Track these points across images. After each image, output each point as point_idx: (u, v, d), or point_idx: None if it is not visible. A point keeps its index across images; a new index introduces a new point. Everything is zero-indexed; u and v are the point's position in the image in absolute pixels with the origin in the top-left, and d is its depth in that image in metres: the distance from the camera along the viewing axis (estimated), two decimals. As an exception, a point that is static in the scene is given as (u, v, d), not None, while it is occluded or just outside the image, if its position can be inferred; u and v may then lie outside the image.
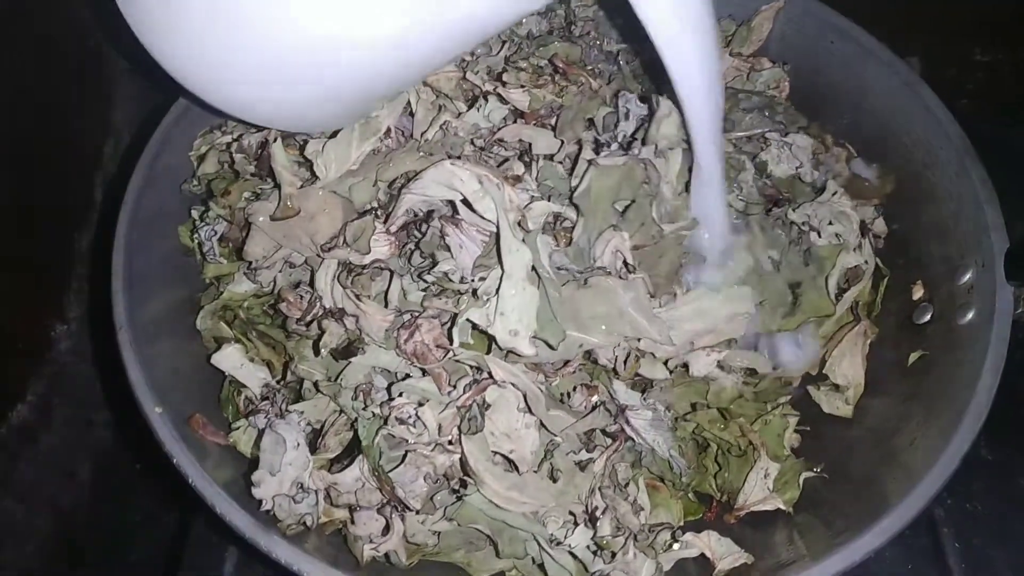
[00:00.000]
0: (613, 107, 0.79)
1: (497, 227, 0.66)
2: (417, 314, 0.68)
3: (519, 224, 0.67)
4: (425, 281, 0.71)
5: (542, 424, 0.66)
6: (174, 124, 0.86)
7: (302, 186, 0.75)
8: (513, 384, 0.66)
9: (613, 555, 0.64)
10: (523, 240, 0.65)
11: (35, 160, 1.06)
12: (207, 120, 0.89)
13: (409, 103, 0.78)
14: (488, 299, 0.65)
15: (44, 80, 1.09)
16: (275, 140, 0.77)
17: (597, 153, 0.73)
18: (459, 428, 0.68)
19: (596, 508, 0.67)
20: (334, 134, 0.76)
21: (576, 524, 0.66)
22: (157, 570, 1.08)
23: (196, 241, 0.83)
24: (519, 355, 0.65)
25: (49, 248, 1.11)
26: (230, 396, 0.77)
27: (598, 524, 0.66)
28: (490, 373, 0.66)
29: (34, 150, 1.06)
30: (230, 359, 0.75)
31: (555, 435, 0.67)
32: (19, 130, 1.04)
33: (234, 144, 0.85)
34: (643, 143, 0.74)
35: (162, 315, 0.79)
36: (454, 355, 0.68)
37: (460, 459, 0.67)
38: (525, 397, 0.66)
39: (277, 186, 0.77)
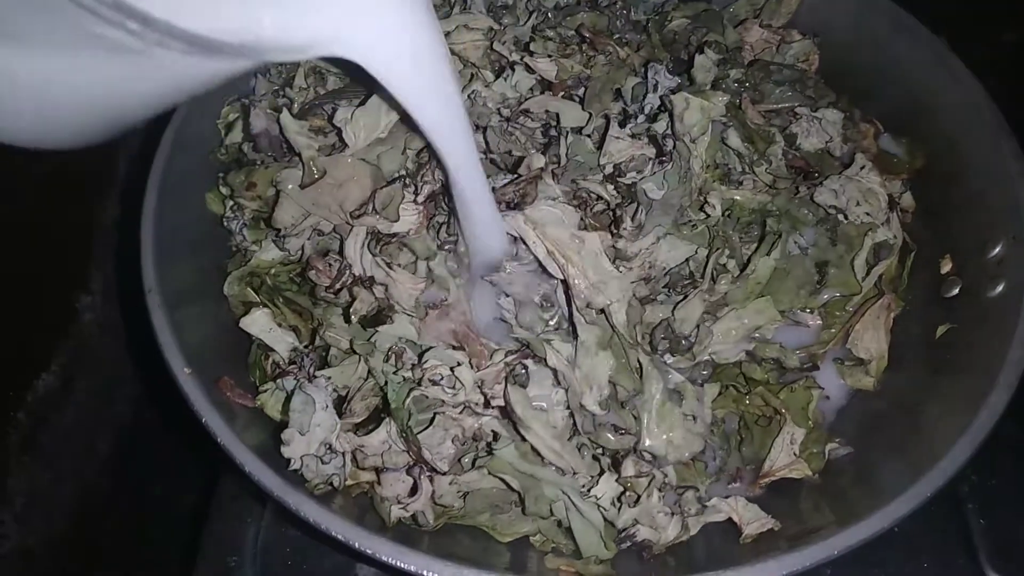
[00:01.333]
0: (642, 78, 0.79)
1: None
2: (446, 300, 0.69)
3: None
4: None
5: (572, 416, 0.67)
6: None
7: (330, 153, 0.75)
8: (559, 373, 0.66)
9: (637, 500, 0.64)
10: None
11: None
12: (235, 87, 0.90)
13: None
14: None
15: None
16: (261, 129, 0.77)
17: (623, 126, 0.73)
18: (505, 379, 0.68)
19: (619, 453, 0.68)
20: (363, 101, 0.76)
21: (603, 472, 0.67)
22: (179, 540, 1.09)
23: (224, 218, 0.84)
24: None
25: (72, 219, 1.12)
26: (258, 360, 0.77)
27: (622, 466, 0.66)
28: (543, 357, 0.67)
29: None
30: (259, 323, 0.75)
31: (581, 432, 0.67)
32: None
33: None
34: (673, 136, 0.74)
35: (190, 280, 0.79)
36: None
37: (502, 409, 0.68)
38: (558, 379, 0.66)
39: (299, 155, 0.77)
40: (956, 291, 0.79)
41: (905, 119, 0.88)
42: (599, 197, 0.75)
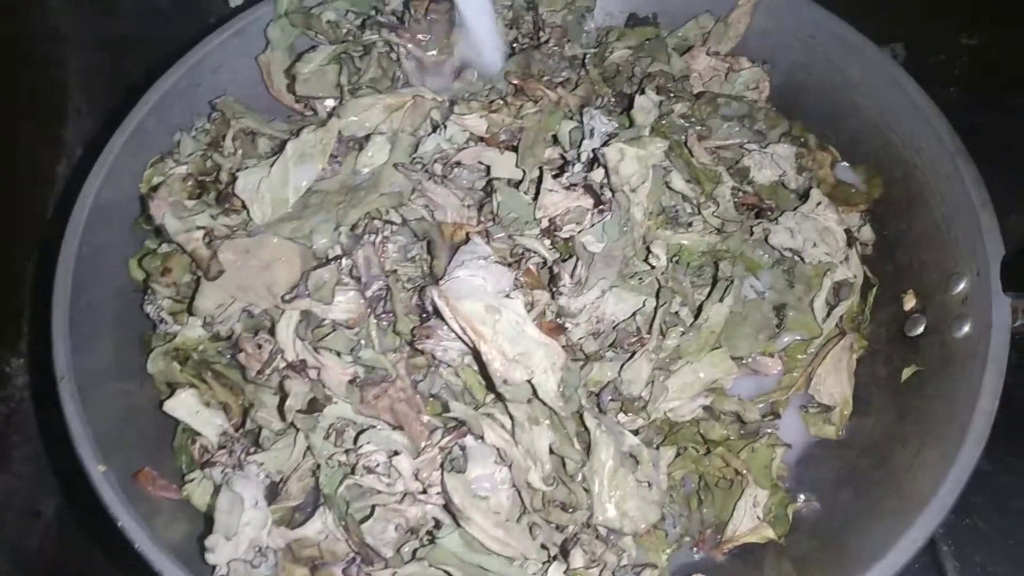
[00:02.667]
0: (578, 122, 0.75)
1: None
2: (386, 376, 0.65)
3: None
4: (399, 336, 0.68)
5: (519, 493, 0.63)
6: (122, 150, 0.81)
7: (230, 235, 0.71)
8: (500, 450, 0.62)
9: None
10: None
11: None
12: (158, 146, 0.84)
13: (340, 132, 0.74)
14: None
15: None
16: (162, 217, 0.73)
17: (560, 174, 0.69)
18: (442, 467, 0.64)
19: (567, 541, 0.64)
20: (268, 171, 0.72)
21: (551, 561, 0.63)
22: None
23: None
24: None
25: (1, 276, 1.06)
26: (184, 445, 0.73)
27: (570, 556, 0.62)
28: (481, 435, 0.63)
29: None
30: (184, 405, 0.70)
31: (530, 511, 0.63)
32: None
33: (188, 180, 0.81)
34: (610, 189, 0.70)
35: (110, 357, 0.74)
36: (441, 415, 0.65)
37: (443, 498, 0.63)
38: (501, 456, 0.62)
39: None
40: (921, 329, 0.75)
41: (861, 145, 0.85)
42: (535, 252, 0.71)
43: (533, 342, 0.64)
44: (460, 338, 0.66)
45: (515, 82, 0.78)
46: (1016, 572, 0.79)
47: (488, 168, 0.77)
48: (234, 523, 0.62)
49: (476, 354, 0.65)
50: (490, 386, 0.65)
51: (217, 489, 0.66)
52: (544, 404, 0.64)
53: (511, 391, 0.63)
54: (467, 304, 0.62)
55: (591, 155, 0.70)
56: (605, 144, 0.72)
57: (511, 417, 0.63)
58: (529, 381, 0.64)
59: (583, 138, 0.72)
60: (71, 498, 1.13)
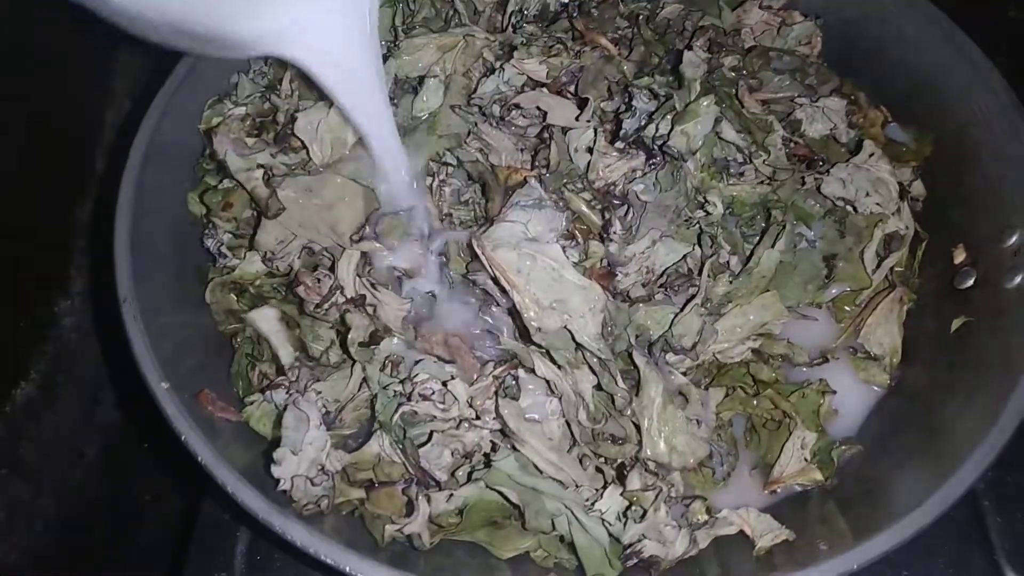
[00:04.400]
0: (625, 101, 0.76)
1: None
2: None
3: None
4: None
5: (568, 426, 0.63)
6: (180, 85, 0.82)
7: (287, 173, 0.72)
8: (551, 382, 0.63)
9: (644, 514, 0.61)
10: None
11: (34, 129, 1.02)
12: (214, 84, 0.85)
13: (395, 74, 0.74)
14: None
15: (42, 45, 1.05)
16: (225, 153, 0.75)
17: (612, 142, 0.70)
18: (496, 395, 0.65)
19: (624, 466, 0.65)
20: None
21: (607, 485, 0.64)
22: (167, 551, 1.06)
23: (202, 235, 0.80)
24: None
25: (49, 220, 1.07)
26: (243, 370, 0.74)
27: (628, 479, 0.63)
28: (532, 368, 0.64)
29: (33, 118, 1.02)
30: (267, 319, 0.72)
31: (580, 443, 0.64)
32: (16, 98, 1.00)
33: (247, 120, 0.82)
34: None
35: (168, 286, 0.76)
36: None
37: (497, 423, 0.65)
38: (551, 388, 0.63)
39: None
40: (971, 282, 0.75)
41: (913, 102, 0.85)
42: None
43: (571, 286, 0.64)
44: (496, 286, 0.67)
45: (579, 28, 0.78)
46: (1055, 526, 0.79)
47: (544, 115, 0.77)
48: (299, 440, 0.63)
49: (512, 303, 0.65)
50: (525, 335, 0.65)
51: (278, 414, 0.67)
52: (583, 348, 0.65)
53: (547, 338, 0.64)
54: (502, 253, 0.63)
55: (640, 122, 0.71)
56: (649, 122, 0.73)
57: (552, 361, 0.64)
58: (567, 328, 0.64)
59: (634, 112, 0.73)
60: (116, 439, 1.15)
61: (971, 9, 1.18)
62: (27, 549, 1.00)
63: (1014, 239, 0.72)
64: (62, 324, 1.07)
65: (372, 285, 0.71)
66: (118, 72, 1.21)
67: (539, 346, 0.63)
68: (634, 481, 0.61)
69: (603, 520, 0.61)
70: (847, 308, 0.77)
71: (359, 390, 0.70)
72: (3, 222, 0.97)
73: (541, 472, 0.62)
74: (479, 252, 0.64)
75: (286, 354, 0.73)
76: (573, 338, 0.63)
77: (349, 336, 0.67)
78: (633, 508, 0.60)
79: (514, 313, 0.64)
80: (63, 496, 1.07)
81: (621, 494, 0.61)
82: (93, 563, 1.12)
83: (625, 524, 0.61)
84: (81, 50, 1.15)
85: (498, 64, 0.77)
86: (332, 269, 0.71)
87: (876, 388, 0.77)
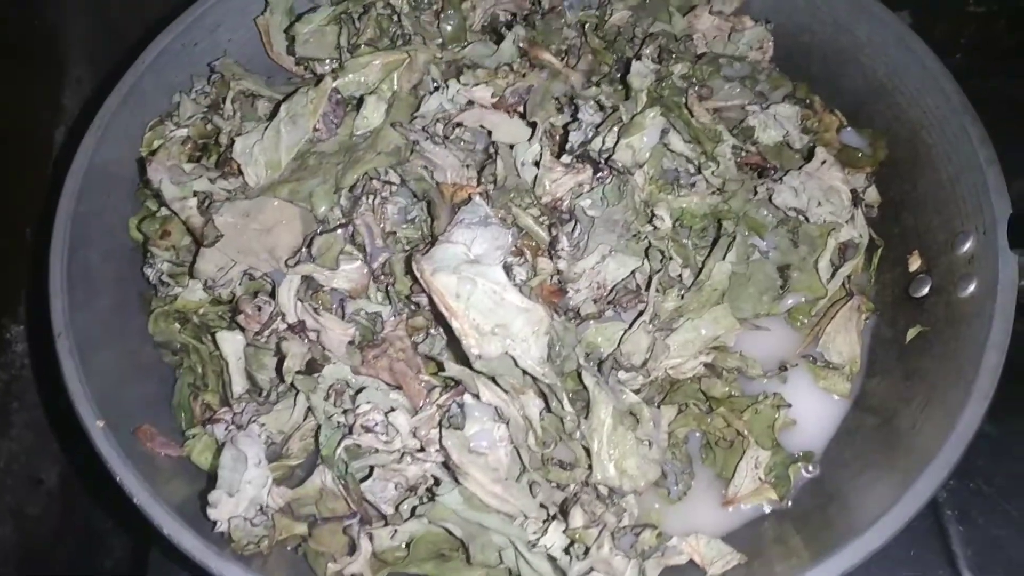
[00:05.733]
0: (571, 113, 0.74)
1: None
2: (384, 334, 0.65)
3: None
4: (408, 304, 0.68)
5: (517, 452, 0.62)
6: (120, 105, 0.80)
7: (227, 198, 0.70)
8: (497, 408, 0.62)
9: (587, 550, 0.60)
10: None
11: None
12: (155, 104, 0.83)
13: (335, 90, 0.73)
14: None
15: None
16: (159, 182, 0.73)
17: (559, 156, 0.69)
18: (439, 425, 0.63)
19: (567, 501, 0.63)
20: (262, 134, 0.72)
21: (551, 520, 0.62)
22: (128, 578, 1.05)
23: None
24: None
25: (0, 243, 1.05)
26: (185, 401, 0.72)
27: (569, 516, 0.62)
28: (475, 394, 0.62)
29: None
30: (234, 344, 0.70)
31: (528, 469, 0.62)
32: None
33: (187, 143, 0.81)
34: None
35: (109, 316, 0.74)
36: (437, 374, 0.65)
37: (442, 456, 0.63)
38: (498, 413, 0.61)
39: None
40: (926, 290, 0.74)
41: (867, 107, 0.83)
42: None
43: (513, 309, 0.62)
44: (435, 311, 0.65)
45: (523, 46, 0.76)
46: (1019, 535, 0.78)
47: (490, 132, 0.76)
48: (237, 480, 0.62)
49: (448, 328, 0.63)
50: (463, 361, 0.63)
51: (218, 447, 0.65)
52: (524, 373, 0.63)
53: (488, 365, 0.62)
54: (441, 277, 0.61)
55: (587, 135, 0.70)
56: (596, 135, 0.72)
57: (498, 384, 0.62)
58: (509, 353, 0.62)
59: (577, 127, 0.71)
60: (74, 465, 1.13)
61: (931, 3, 1.19)
62: (-16, 580, 0.99)
63: (967, 246, 0.71)
64: (14, 350, 1.05)
65: (315, 310, 0.69)
66: (67, 87, 1.18)
67: (483, 373, 0.62)
68: (576, 519, 0.59)
69: (549, 556, 0.59)
70: (802, 319, 0.76)
71: (304, 419, 0.68)
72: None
73: (486, 506, 0.60)
74: (418, 275, 0.63)
75: (239, 382, 0.71)
76: (516, 363, 0.61)
77: (285, 364, 0.65)
78: (576, 545, 0.59)
79: (454, 340, 0.62)
80: (22, 524, 1.05)
81: (564, 531, 0.59)
82: (55, 590, 1.10)
83: (570, 561, 0.59)
84: (33, 64, 1.13)
85: (443, 81, 0.76)
86: (273, 295, 0.70)
87: (836, 397, 0.76)
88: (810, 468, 0.70)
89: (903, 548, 0.78)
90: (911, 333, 0.73)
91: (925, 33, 0.81)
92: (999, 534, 0.79)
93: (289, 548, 0.64)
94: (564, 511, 0.61)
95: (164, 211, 0.76)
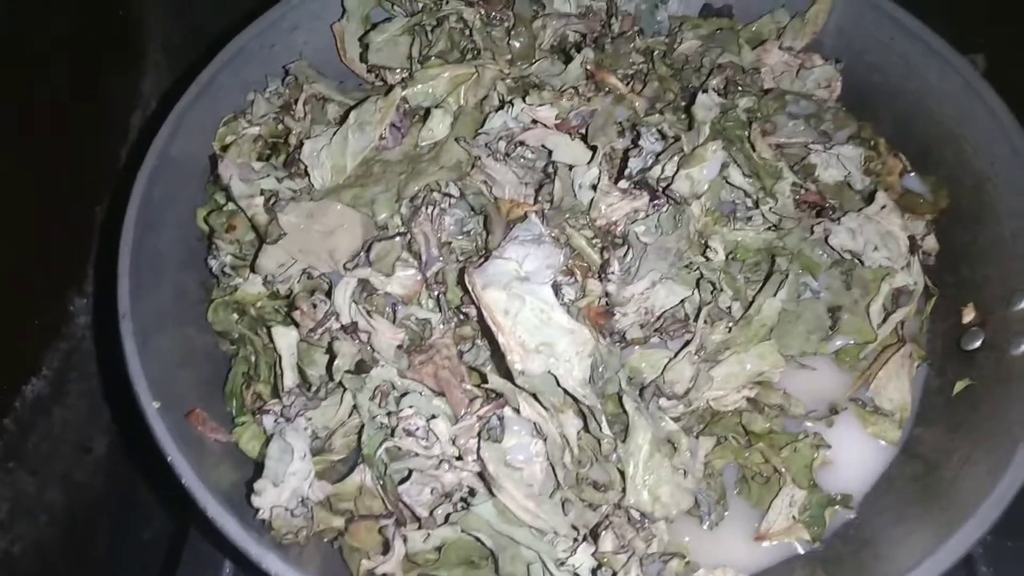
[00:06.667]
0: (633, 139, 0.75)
1: None
2: (432, 341, 0.66)
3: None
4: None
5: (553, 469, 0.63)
6: (196, 99, 0.83)
7: (294, 197, 0.72)
8: (536, 424, 0.63)
9: (615, 575, 0.61)
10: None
11: (62, 126, 1.04)
12: (230, 100, 0.86)
13: (404, 100, 0.75)
14: None
15: (77, 46, 1.07)
16: (229, 178, 0.75)
17: (617, 181, 0.71)
18: (478, 436, 0.65)
19: (599, 524, 0.64)
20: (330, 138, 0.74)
21: (581, 541, 0.63)
22: (162, 552, 1.08)
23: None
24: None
25: (70, 219, 1.09)
26: (237, 389, 0.75)
27: (600, 540, 0.63)
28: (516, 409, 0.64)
29: (58, 116, 1.04)
30: (288, 339, 0.72)
31: (563, 487, 0.63)
32: (49, 95, 1.02)
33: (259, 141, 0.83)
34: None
35: (171, 301, 0.77)
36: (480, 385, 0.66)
37: (478, 466, 0.64)
38: (537, 429, 0.62)
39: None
40: (978, 343, 0.74)
41: (932, 152, 0.83)
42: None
43: (559, 330, 0.63)
44: (482, 325, 0.66)
45: (589, 67, 0.78)
46: (1053, 596, 0.77)
47: (550, 152, 0.77)
48: (282, 471, 0.64)
49: (494, 342, 0.64)
50: (507, 375, 0.64)
51: (266, 438, 0.68)
52: (566, 393, 0.64)
53: (530, 381, 0.63)
54: (491, 292, 0.62)
55: (646, 162, 0.71)
56: (655, 162, 0.73)
57: (538, 401, 0.63)
58: (551, 372, 0.63)
59: (642, 151, 0.72)
60: (123, 437, 1.18)
61: (1008, 49, 1.17)
62: (31, 541, 1.02)
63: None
64: (76, 322, 1.09)
65: (368, 312, 0.71)
66: (146, 75, 1.23)
67: (520, 388, 0.63)
68: (606, 543, 0.60)
69: (575, 575, 0.60)
70: (848, 361, 0.76)
71: (349, 417, 0.70)
72: (24, 218, 0.99)
73: (518, 519, 0.61)
74: (469, 288, 0.64)
75: (291, 376, 0.74)
76: (558, 383, 0.63)
77: (335, 363, 0.67)
78: (604, 569, 0.60)
79: (498, 354, 0.64)
80: (69, 491, 1.10)
81: (592, 554, 0.60)
82: (94, 558, 1.14)
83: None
84: (115, 50, 1.17)
85: (509, 99, 0.77)
86: (329, 294, 0.72)
87: (883, 444, 0.76)
88: (848, 511, 0.70)
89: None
90: (959, 386, 0.72)
91: (999, 80, 0.80)
92: (1034, 596, 0.78)
93: (325, 540, 0.66)
94: (595, 534, 0.61)
95: (231, 206, 0.79)
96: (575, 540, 0.61)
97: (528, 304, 0.63)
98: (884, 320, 0.75)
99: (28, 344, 1.02)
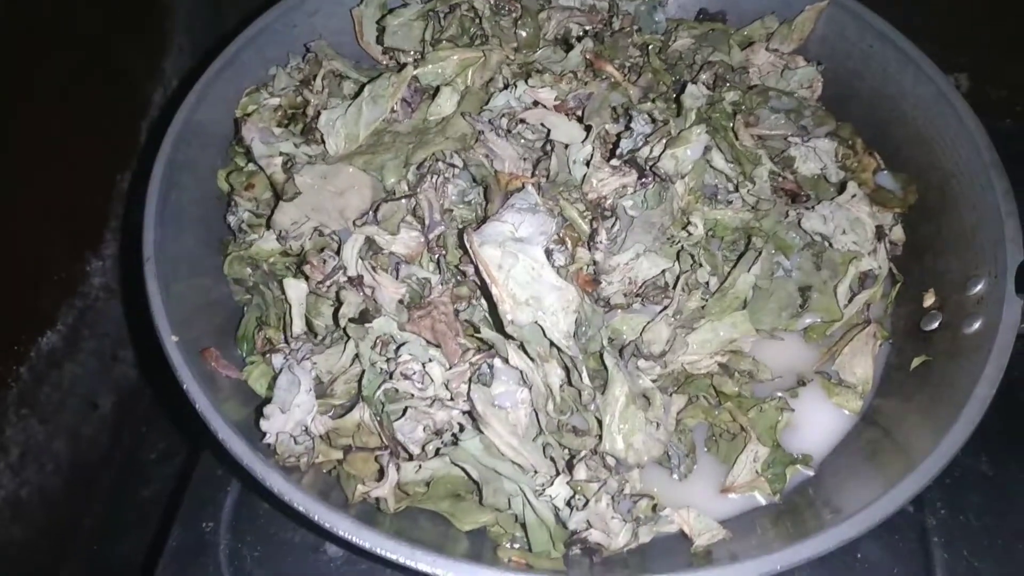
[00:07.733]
0: (626, 122, 0.81)
1: None
2: (431, 298, 0.72)
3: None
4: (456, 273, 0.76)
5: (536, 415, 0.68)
6: (220, 71, 0.89)
7: (310, 161, 0.78)
8: (523, 373, 0.68)
9: (586, 503, 0.66)
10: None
11: (86, 99, 1.10)
12: (252, 74, 0.92)
13: (415, 78, 0.80)
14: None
15: (103, 24, 1.13)
16: (251, 140, 0.82)
17: (608, 159, 0.77)
18: (470, 380, 0.70)
19: (574, 457, 0.69)
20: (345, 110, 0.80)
21: (558, 474, 0.69)
22: (161, 508, 1.13)
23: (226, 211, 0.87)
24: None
25: (91, 185, 1.15)
26: (248, 333, 0.80)
27: (574, 470, 0.68)
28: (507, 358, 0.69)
29: (86, 89, 1.10)
30: (298, 290, 0.77)
31: (544, 432, 0.69)
32: (73, 69, 1.08)
33: (278, 111, 0.89)
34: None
35: (190, 253, 0.82)
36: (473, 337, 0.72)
37: (468, 406, 0.69)
38: (524, 378, 0.68)
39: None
40: (936, 325, 0.80)
41: (903, 152, 0.89)
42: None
43: (548, 286, 0.69)
44: (479, 278, 0.72)
45: (589, 56, 0.84)
46: (996, 567, 0.82)
47: (548, 131, 0.83)
48: (289, 400, 0.69)
49: (489, 296, 0.70)
50: (498, 326, 0.70)
51: (274, 376, 0.73)
52: (552, 344, 0.70)
53: (519, 331, 0.68)
54: (487, 249, 0.68)
55: (636, 143, 0.77)
56: (645, 144, 0.79)
57: (526, 352, 0.69)
58: (539, 324, 0.68)
59: (633, 133, 0.78)
60: (132, 394, 1.23)
61: (990, 71, 1.23)
62: (38, 487, 1.08)
63: (979, 288, 0.76)
64: (91, 282, 1.15)
65: (373, 268, 0.77)
66: (169, 56, 1.29)
67: (514, 338, 0.69)
68: (580, 472, 0.66)
69: (553, 505, 0.66)
70: (817, 338, 0.82)
71: (351, 365, 0.76)
72: (49, 182, 1.05)
73: (502, 455, 0.67)
74: (468, 245, 0.70)
75: (299, 325, 0.79)
76: (544, 333, 0.68)
77: (340, 311, 0.73)
78: (577, 496, 0.65)
79: (493, 309, 0.69)
80: (75, 443, 1.15)
81: (567, 483, 0.66)
82: (96, 508, 1.19)
83: (571, 512, 0.66)
84: (141, 31, 1.24)
85: (512, 81, 0.83)
86: (338, 251, 0.77)
87: (847, 412, 0.81)
88: (808, 470, 0.75)
89: (888, 566, 0.82)
90: (916, 361, 0.78)
91: (980, 96, 0.86)
92: (980, 567, 0.83)
93: (324, 470, 0.72)
94: (570, 465, 0.67)
95: (251, 167, 0.85)
96: (551, 476, 0.67)
97: (521, 261, 0.69)
98: (850, 300, 0.81)
99: (46, 299, 1.08)
